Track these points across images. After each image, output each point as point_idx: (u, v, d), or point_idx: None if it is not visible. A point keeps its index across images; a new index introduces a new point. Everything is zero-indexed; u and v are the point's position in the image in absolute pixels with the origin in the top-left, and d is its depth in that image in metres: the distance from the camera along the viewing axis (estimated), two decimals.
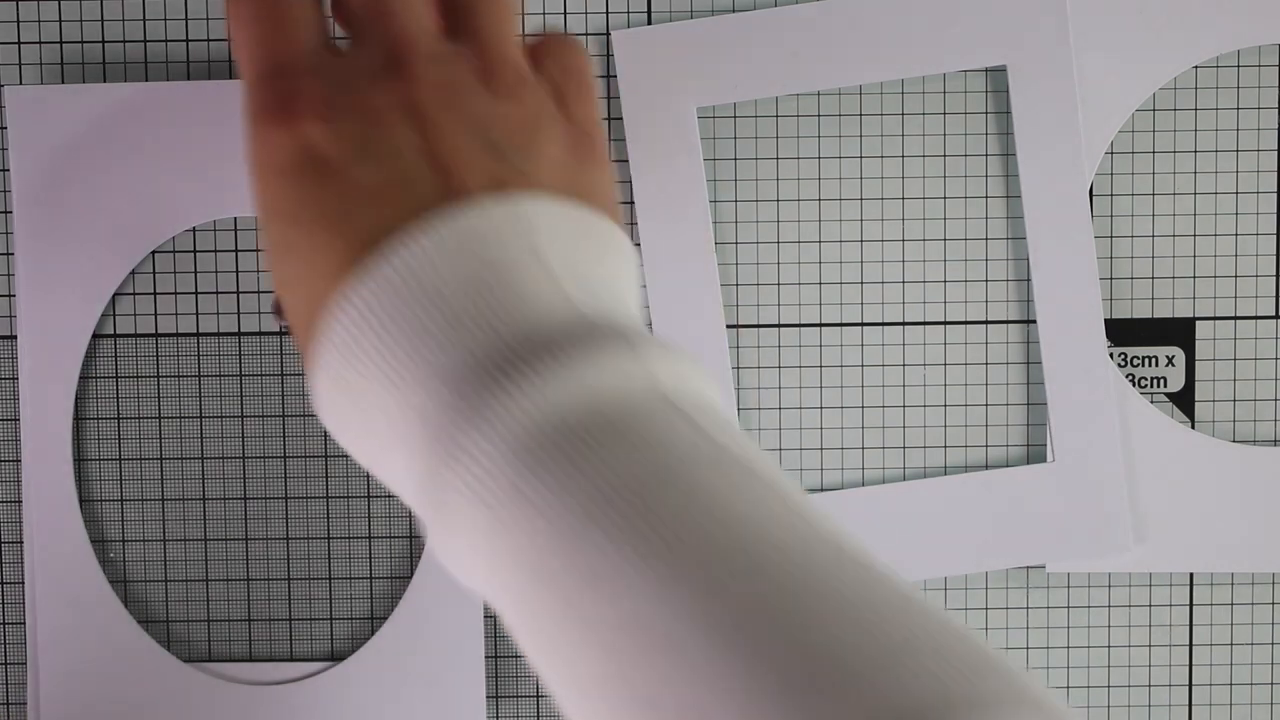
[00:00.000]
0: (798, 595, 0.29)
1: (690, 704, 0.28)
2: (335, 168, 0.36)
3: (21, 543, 0.50)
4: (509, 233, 0.35)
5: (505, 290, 0.34)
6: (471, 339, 0.33)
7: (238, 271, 0.50)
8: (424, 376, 0.33)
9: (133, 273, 0.50)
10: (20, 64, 0.50)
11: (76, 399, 0.50)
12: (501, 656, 0.51)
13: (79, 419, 0.50)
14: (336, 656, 0.51)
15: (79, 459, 0.50)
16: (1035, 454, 0.51)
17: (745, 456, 0.32)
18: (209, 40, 0.50)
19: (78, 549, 0.50)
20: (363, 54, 0.38)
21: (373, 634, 0.51)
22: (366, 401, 0.34)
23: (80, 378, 0.50)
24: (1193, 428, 0.51)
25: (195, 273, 0.50)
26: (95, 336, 0.50)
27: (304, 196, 0.36)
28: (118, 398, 0.50)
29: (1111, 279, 0.51)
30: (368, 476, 0.51)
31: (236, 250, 0.50)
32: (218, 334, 0.50)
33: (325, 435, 0.50)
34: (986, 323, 0.51)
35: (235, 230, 0.50)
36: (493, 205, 0.35)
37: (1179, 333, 0.51)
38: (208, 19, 0.50)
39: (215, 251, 0.50)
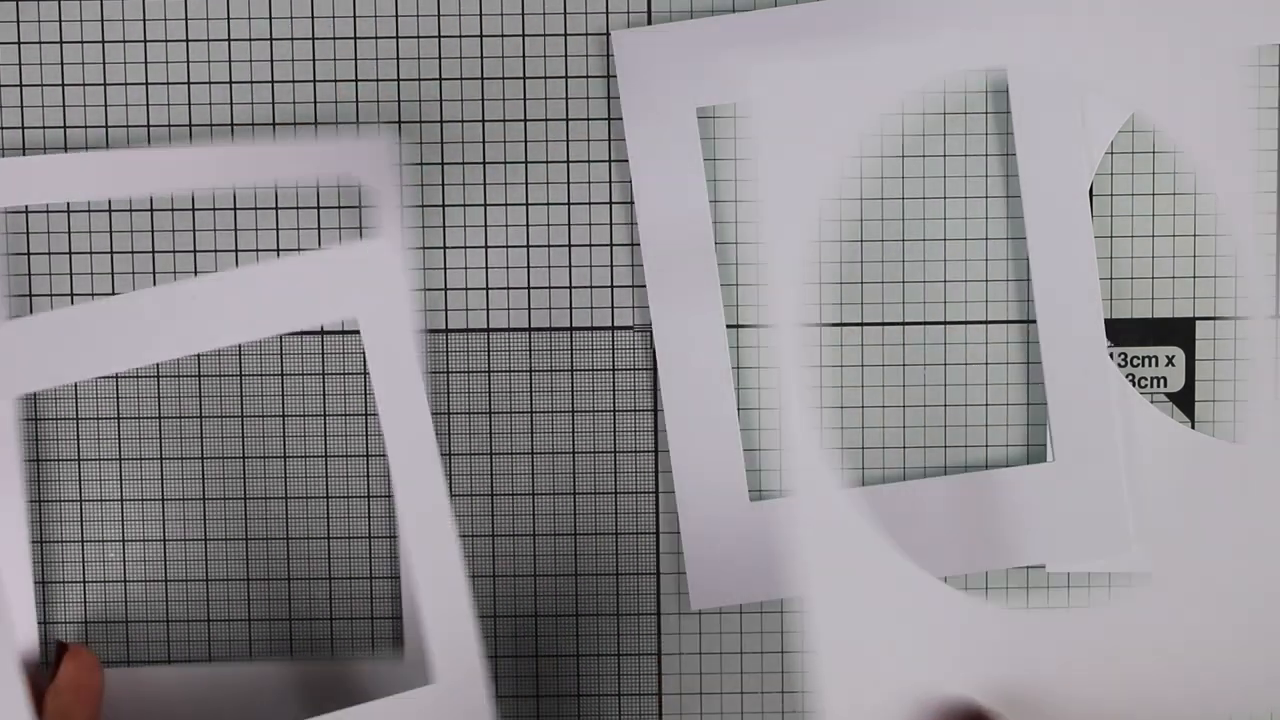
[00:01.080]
0: None
1: None
2: None
3: None
4: None
5: None
6: None
7: None
8: None
9: (133, 272, 0.50)
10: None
11: (75, 399, 0.50)
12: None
13: (78, 419, 0.50)
14: (336, 657, 0.51)
15: (79, 459, 0.50)
16: (1035, 454, 0.51)
17: None
18: None
19: None
20: None
21: (373, 634, 0.51)
22: None
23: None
24: (1193, 428, 0.51)
25: (195, 272, 0.50)
26: None
27: None
28: (117, 398, 0.50)
29: (1111, 279, 0.51)
30: (368, 476, 0.51)
31: (236, 250, 0.50)
32: None
33: (325, 435, 0.50)
34: (986, 323, 0.51)
35: (235, 230, 0.50)
36: None
37: (1179, 333, 0.51)
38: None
39: (215, 252, 0.50)
